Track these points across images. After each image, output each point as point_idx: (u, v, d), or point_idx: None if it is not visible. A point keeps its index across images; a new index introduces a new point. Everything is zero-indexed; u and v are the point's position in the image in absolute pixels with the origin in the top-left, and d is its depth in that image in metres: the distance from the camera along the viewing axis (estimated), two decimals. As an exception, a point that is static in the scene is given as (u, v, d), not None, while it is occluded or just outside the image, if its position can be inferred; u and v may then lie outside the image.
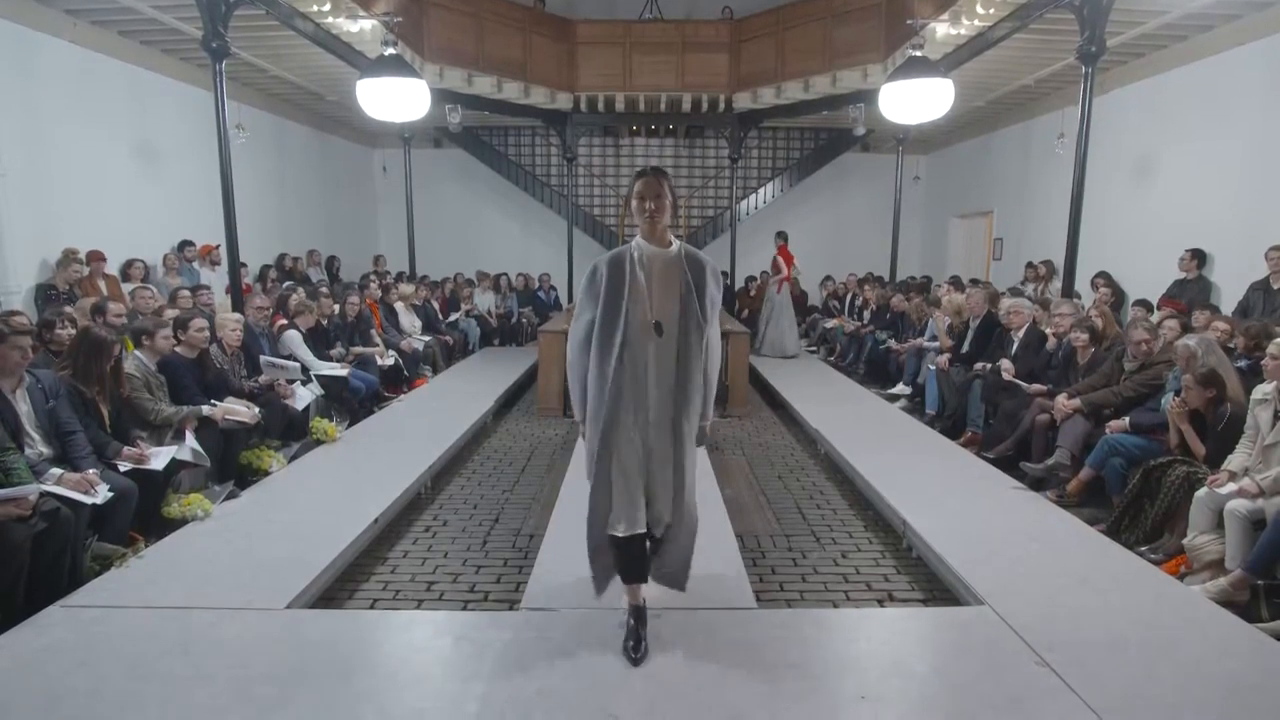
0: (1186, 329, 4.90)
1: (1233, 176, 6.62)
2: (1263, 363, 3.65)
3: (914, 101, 6.80)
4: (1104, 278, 7.55)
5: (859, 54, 9.22)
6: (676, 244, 2.67)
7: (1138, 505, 3.87)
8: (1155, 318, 5.71)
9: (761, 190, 13.36)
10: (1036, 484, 4.57)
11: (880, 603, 3.44)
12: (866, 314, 9.85)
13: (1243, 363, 4.32)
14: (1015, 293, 7.58)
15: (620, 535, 2.57)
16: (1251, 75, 6.39)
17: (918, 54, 6.75)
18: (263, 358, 5.35)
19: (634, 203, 2.63)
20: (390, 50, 6.58)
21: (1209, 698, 2.35)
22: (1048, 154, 8.95)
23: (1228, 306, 6.11)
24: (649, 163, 13.62)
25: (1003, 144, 10.80)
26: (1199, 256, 6.75)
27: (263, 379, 5.21)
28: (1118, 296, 7.43)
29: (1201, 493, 3.47)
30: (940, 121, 8.56)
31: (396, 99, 6.63)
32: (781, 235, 10.25)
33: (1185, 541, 3.47)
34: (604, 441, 2.57)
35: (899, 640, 2.82)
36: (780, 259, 9.93)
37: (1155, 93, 7.56)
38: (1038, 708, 2.30)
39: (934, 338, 7.34)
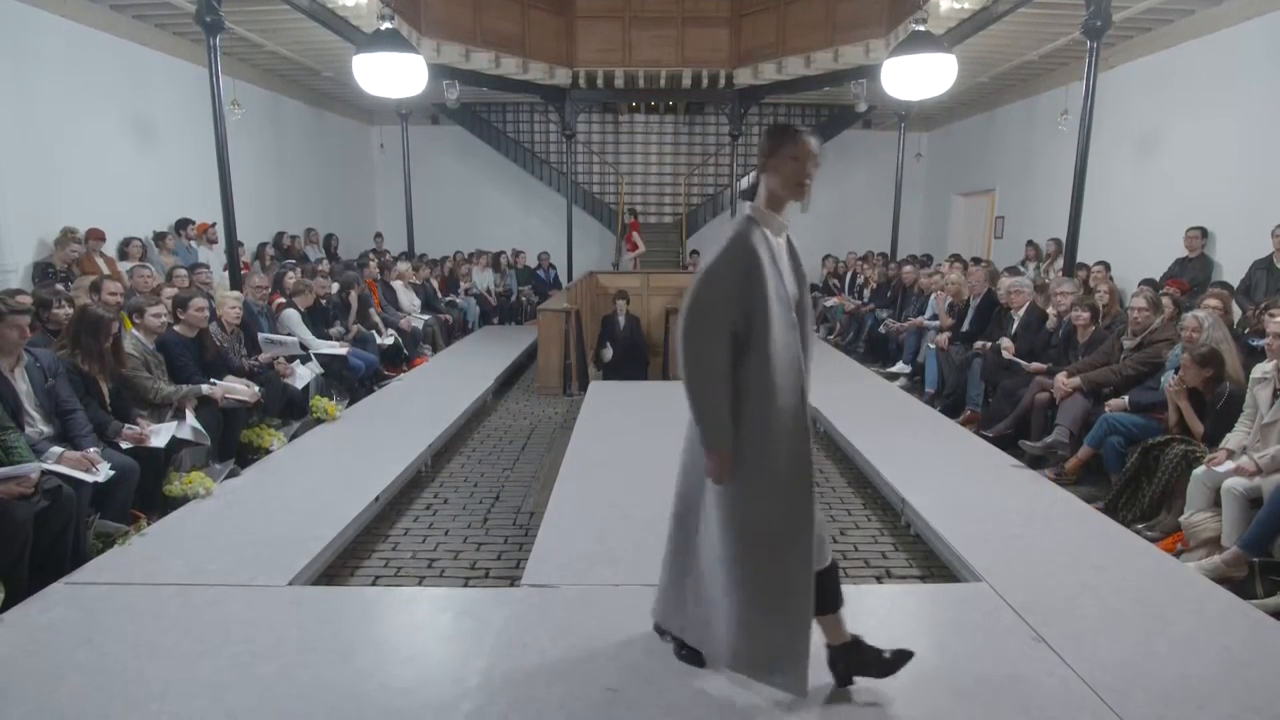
0: (1180, 307, 4.88)
1: (1237, 153, 6.56)
2: (1265, 343, 3.64)
3: (917, 77, 6.72)
4: (1104, 267, 7.52)
5: (861, 29, 9.09)
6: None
7: (1135, 483, 3.88)
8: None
9: (762, 167, 13.24)
10: (1035, 462, 4.58)
11: (878, 579, 3.47)
12: (867, 292, 9.82)
13: (1259, 342, 4.29)
14: (1014, 273, 7.55)
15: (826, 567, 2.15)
16: (1257, 50, 6.30)
17: (921, 29, 6.65)
18: (261, 335, 5.34)
19: (790, 167, 2.07)
20: (386, 25, 6.48)
21: (1204, 674, 2.37)
22: (1051, 131, 8.86)
23: (1231, 284, 6.08)
24: (649, 139, 13.63)
25: (1006, 121, 10.69)
26: (1204, 234, 6.71)
27: (263, 357, 5.20)
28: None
29: (1199, 471, 3.48)
30: (943, 98, 8.48)
31: (393, 75, 6.55)
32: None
33: (1182, 519, 3.49)
34: (803, 468, 2.06)
35: (896, 616, 2.84)
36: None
37: (1160, 68, 7.47)
38: (1034, 683, 2.32)
39: (934, 316, 7.33)
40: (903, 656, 2.23)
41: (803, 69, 9.91)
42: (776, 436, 2.03)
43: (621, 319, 8.02)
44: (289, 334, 5.84)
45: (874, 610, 2.90)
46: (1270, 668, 2.41)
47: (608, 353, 7.95)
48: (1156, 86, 7.52)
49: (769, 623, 2.09)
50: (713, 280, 2.00)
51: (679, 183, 13.42)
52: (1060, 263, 8.48)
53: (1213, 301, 4.81)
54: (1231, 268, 6.37)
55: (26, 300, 4.22)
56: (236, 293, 5.32)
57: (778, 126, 2.11)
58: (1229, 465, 3.36)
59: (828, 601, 2.16)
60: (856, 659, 2.24)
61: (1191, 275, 6.53)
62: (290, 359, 5.30)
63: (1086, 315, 5.04)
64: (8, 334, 3.26)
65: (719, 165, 13.42)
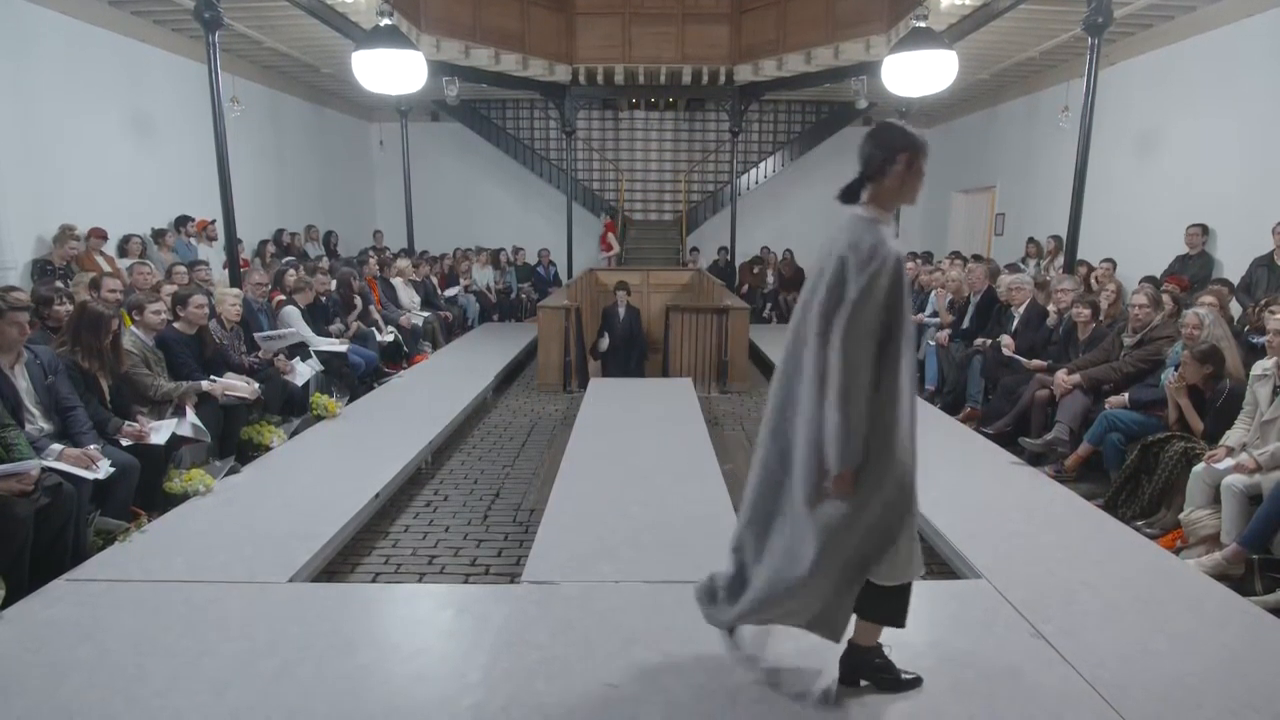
0: (1181, 304, 4.88)
1: (1238, 150, 6.56)
2: (1266, 340, 3.64)
3: (917, 74, 6.71)
4: (1110, 264, 7.52)
5: (862, 25, 9.08)
6: None
7: (1135, 480, 3.89)
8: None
9: (762, 164, 13.24)
10: (1035, 459, 4.59)
11: (878, 576, 3.47)
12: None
13: (1259, 339, 4.29)
14: (1014, 270, 7.55)
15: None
16: (1259, 47, 6.29)
17: (921, 25, 6.64)
18: (258, 335, 5.31)
19: (918, 177, 2.06)
20: (386, 21, 6.47)
21: (1203, 671, 2.38)
22: (1051, 128, 8.85)
23: (1231, 282, 6.08)
24: (648, 136, 13.61)
25: (1006, 118, 10.68)
26: (1205, 231, 6.70)
27: (262, 353, 5.20)
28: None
29: (1199, 468, 3.48)
30: (943, 95, 8.47)
31: (393, 71, 6.54)
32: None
33: (1181, 516, 3.49)
34: (909, 486, 2.10)
35: (896, 613, 2.84)
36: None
37: (1162, 65, 7.45)
38: (1033, 679, 2.33)
39: (934, 313, 7.32)
40: (915, 682, 2.28)
41: (803, 65, 9.90)
42: (894, 452, 2.02)
43: (622, 310, 7.90)
44: (286, 328, 5.84)
45: (874, 607, 2.91)
46: (1269, 665, 2.42)
47: (604, 342, 7.85)
48: (1158, 83, 7.51)
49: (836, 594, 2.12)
50: (870, 290, 1.91)
51: (679, 180, 13.41)
52: (1061, 260, 8.48)
53: (1208, 298, 4.80)
54: (1232, 265, 6.36)
55: (24, 297, 4.21)
56: (236, 290, 5.31)
57: (908, 135, 2.04)
58: (1229, 462, 3.36)
59: (896, 616, 2.17)
60: (875, 666, 2.27)
61: (1192, 272, 6.52)
62: (291, 355, 5.30)
63: (1087, 313, 5.03)
64: (7, 331, 3.25)
65: (719, 162, 13.41)
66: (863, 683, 2.27)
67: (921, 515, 3.66)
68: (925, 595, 3.03)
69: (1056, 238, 8.85)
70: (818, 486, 2.02)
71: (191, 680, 2.30)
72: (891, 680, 2.26)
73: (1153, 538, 3.51)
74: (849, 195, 2.08)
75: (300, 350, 5.73)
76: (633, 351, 7.91)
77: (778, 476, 2.18)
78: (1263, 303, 4.77)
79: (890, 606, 2.15)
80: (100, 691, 2.23)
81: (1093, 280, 6.91)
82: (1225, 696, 2.24)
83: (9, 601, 2.70)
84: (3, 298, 3.44)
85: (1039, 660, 2.43)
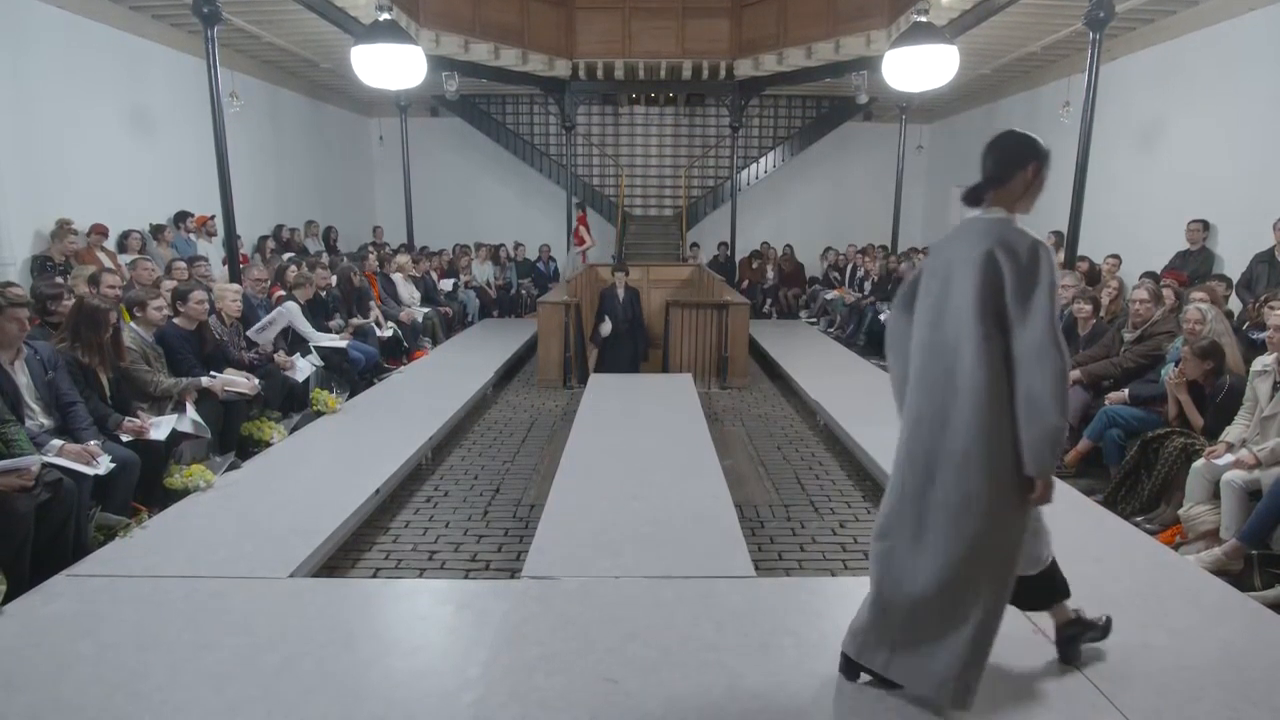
0: (1182, 299, 4.87)
1: (1239, 146, 6.54)
2: (1266, 335, 3.64)
3: (918, 69, 6.70)
4: (1115, 260, 7.51)
5: (863, 19, 9.06)
6: None
7: (1135, 476, 3.89)
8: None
9: (762, 160, 13.22)
10: (1034, 455, 4.58)
11: (878, 572, 3.47)
12: (868, 285, 9.81)
13: (1259, 335, 4.29)
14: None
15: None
16: (1260, 42, 6.27)
17: (922, 20, 6.62)
18: (250, 332, 5.28)
19: (1041, 186, 2.12)
20: (385, 16, 6.45)
21: (1201, 665, 2.38)
22: (1053, 123, 8.82)
23: (1231, 278, 6.07)
24: (648, 131, 13.58)
25: (1007, 113, 10.65)
26: (1206, 227, 6.69)
27: (261, 348, 5.19)
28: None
29: (1199, 464, 3.48)
30: (944, 90, 8.44)
31: (392, 66, 6.53)
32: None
33: (1181, 512, 3.50)
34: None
35: (896, 608, 2.85)
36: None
37: (1163, 60, 7.44)
38: (1031, 674, 2.33)
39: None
40: (1109, 622, 2.46)
41: (803, 60, 9.88)
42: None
43: (621, 291, 7.45)
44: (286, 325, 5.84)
45: (873, 602, 2.91)
46: (1267, 659, 2.42)
47: (606, 326, 7.35)
48: (1159, 78, 7.50)
49: (980, 653, 2.06)
50: (1053, 282, 1.90)
51: (679, 175, 13.39)
52: (1060, 255, 8.46)
53: (1198, 294, 4.79)
54: (1233, 260, 6.36)
55: (23, 293, 4.21)
56: (235, 285, 5.31)
57: (1037, 145, 2.11)
58: (1228, 458, 3.36)
59: (1062, 586, 2.31)
60: (1081, 630, 2.39)
61: (1192, 268, 6.51)
62: (291, 351, 5.29)
63: (1088, 308, 5.03)
64: (7, 327, 3.25)
65: (719, 157, 13.38)
66: (863, 677, 2.26)
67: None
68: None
69: (1056, 233, 8.83)
70: (996, 499, 2.00)
71: (193, 675, 2.30)
72: (1101, 631, 2.43)
73: (1152, 533, 3.52)
74: (973, 198, 2.10)
75: (300, 346, 5.73)
76: (637, 336, 7.48)
77: (921, 494, 2.09)
78: (1263, 299, 4.77)
79: (1050, 585, 2.29)
80: (102, 685, 2.24)
81: (1104, 272, 6.91)
82: (1223, 690, 2.25)
83: (10, 597, 2.70)
84: (2, 294, 3.44)
85: (1038, 655, 2.43)
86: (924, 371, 2.09)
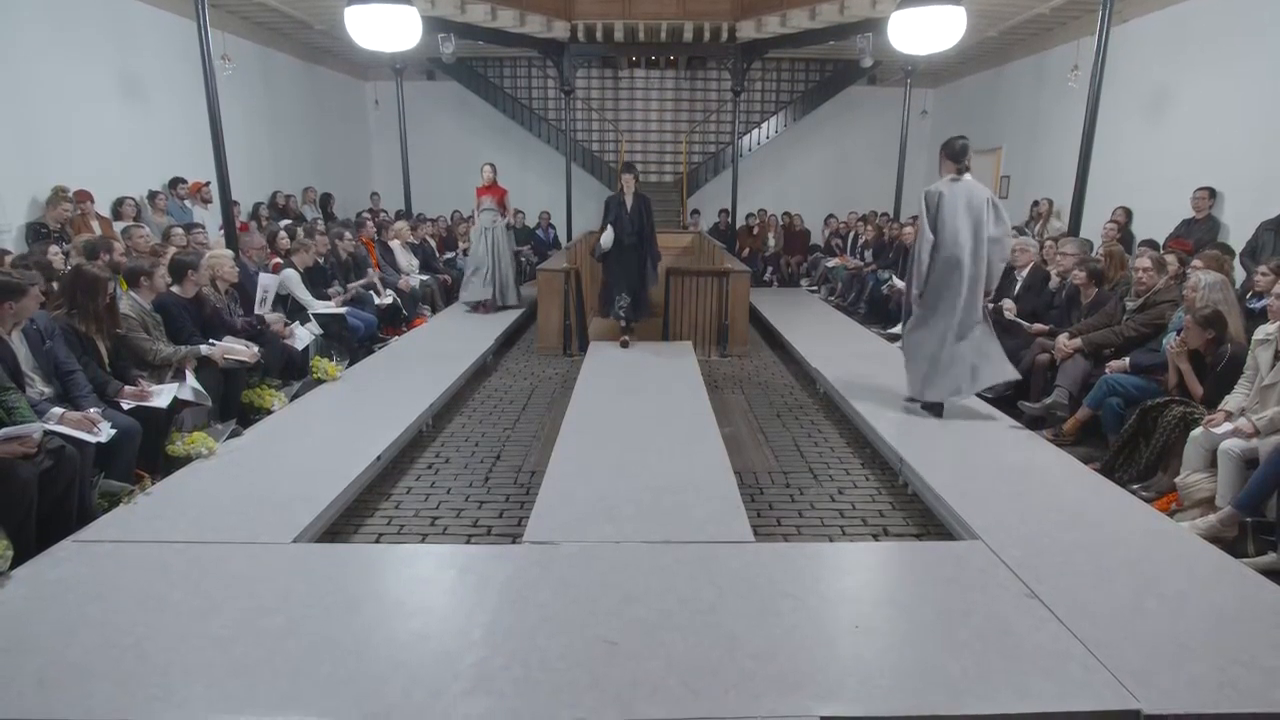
0: (1187, 267, 4.84)
1: (1249, 112, 6.44)
2: (1267, 303, 3.63)
3: (924, 30, 6.54)
4: (1124, 212, 7.42)
5: (869, -21, 8.84)
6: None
7: (1133, 444, 3.90)
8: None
9: (765, 124, 13.04)
10: (1034, 423, 4.61)
11: (875, 537, 3.51)
12: (868, 253, 9.74)
13: (1258, 304, 4.27)
14: (1019, 233, 7.47)
15: None
16: (1275, 4, 6.13)
17: (930, -21, 6.44)
18: (257, 309, 5.24)
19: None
20: (379, -26, 6.27)
21: (1193, 629, 2.42)
22: (1060, 88, 8.70)
23: (1236, 246, 6.02)
24: (648, 95, 13.36)
25: (1014, 77, 10.48)
26: (1213, 194, 6.61)
27: (270, 321, 5.17)
28: (1124, 235, 7.32)
29: (1197, 432, 3.50)
30: (950, 53, 8.28)
31: (386, 27, 6.35)
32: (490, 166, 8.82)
33: (1178, 480, 3.52)
34: None
35: (893, 573, 2.89)
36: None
37: (1175, 22, 7.28)
38: (1025, 637, 2.37)
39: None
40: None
41: (807, 22, 9.66)
42: None
43: (629, 199, 6.45)
44: (287, 294, 5.81)
45: (871, 566, 2.95)
46: (1258, 623, 2.46)
47: (608, 236, 6.40)
48: (1171, 41, 7.35)
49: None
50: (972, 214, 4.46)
51: (679, 140, 13.21)
52: (1055, 223, 8.40)
53: (1197, 263, 4.75)
54: (1239, 229, 6.29)
55: (34, 272, 4.17)
56: (229, 251, 5.26)
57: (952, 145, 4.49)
58: (1227, 427, 3.37)
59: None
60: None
61: (1197, 236, 6.45)
62: (290, 320, 5.27)
63: (1083, 275, 5.00)
64: (29, 306, 3.28)
65: (720, 122, 13.19)
66: (856, 626, 2.30)
67: (919, 476, 3.72)
68: (922, 555, 3.08)
69: (1049, 200, 8.75)
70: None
71: (199, 637, 2.34)
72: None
73: (1148, 500, 3.54)
74: (964, 169, 4.39)
75: (299, 314, 5.71)
76: (644, 251, 6.55)
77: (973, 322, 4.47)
78: (1274, 264, 4.72)
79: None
80: (111, 648, 2.27)
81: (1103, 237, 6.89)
82: (1214, 654, 2.28)
83: (16, 564, 2.73)
84: (19, 275, 3.40)
85: (1032, 619, 2.47)
86: (976, 254, 4.35)
